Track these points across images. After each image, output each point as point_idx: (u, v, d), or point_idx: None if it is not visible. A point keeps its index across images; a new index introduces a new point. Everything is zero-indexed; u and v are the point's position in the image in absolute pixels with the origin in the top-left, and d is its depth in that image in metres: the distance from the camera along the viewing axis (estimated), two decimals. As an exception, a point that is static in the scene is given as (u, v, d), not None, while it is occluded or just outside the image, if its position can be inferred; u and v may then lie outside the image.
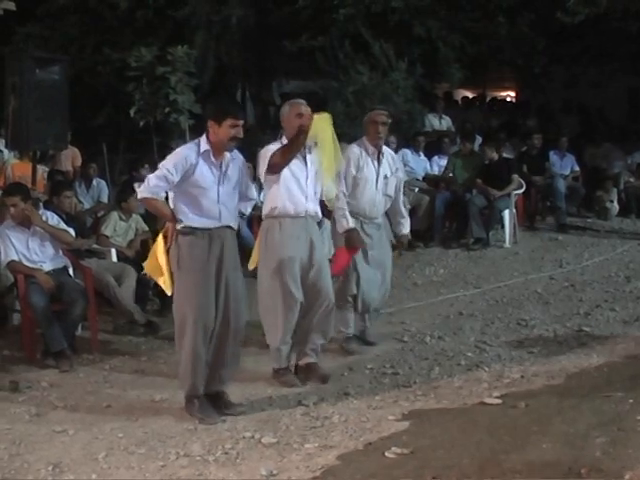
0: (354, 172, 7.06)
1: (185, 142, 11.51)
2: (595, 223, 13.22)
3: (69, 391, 6.34)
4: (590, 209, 13.71)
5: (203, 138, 5.65)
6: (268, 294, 6.30)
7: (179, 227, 5.61)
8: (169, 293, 5.76)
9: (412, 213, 11.57)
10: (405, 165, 12.31)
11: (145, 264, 5.95)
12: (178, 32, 13.67)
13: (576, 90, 16.64)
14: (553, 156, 13.57)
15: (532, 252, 11.30)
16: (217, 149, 5.61)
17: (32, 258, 7.24)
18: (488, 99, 19.13)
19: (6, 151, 10.15)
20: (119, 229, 8.85)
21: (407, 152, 12.52)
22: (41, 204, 8.16)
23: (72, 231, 7.53)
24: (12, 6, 8.49)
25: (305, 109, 6.19)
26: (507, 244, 11.57)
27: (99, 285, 7.78)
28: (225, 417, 5.66)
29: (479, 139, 13.40)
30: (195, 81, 11.97)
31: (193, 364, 5.60)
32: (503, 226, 11.72)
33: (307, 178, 6.32)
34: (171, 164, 5.55)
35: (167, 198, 5.76)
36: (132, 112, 11.71)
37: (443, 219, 12.03)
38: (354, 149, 7.16)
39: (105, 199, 10.86)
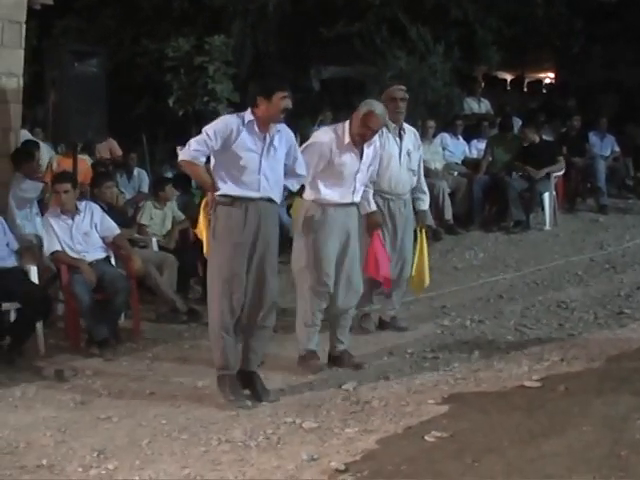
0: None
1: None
2: (637, 204, 13.08)
3: (113, 379, 6.44)
4: (631, 190, 13.57)
5: (248, 111, 5.68)
6: (302, 276, 6.32)
7: (217, 195, 5.65)
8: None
9: (451, 197, 11.62)
10: (444, 149, 12.33)
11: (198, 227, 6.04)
12: (215, 21, 13.74)
13: (615, 70, 16.45)
14: (593, 137, 13.44)
15: (572, 234, 11.22)
16: (263, 122, 5.64)
17: (75, 248, 7.35)
18: (527, 81, 18.97)
19: (45, 145, 10.27)
20: (155, 217, 8.98)
21: (446, 136, 12.49)
22: (81, 195, 8.24)
23: (116, 226, 7.64)
24: (50, 0, 8.59)
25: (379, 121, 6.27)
26: (547, 226, 11.50)
27: (142, 274, 7.87)
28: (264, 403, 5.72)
29: (518, 122, 13.32)
30: (233, 70, 12.04)
31: (222, 336, 5.69)
32: (543, 209, 11.63)
33: (358, 171, 6.33)
34: (212, 130, 5.61)
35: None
36: (171, 102, 11.82)
37: (482, 202, 11.96)
38: None
39: (146, 189, 10.96)
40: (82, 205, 7.52)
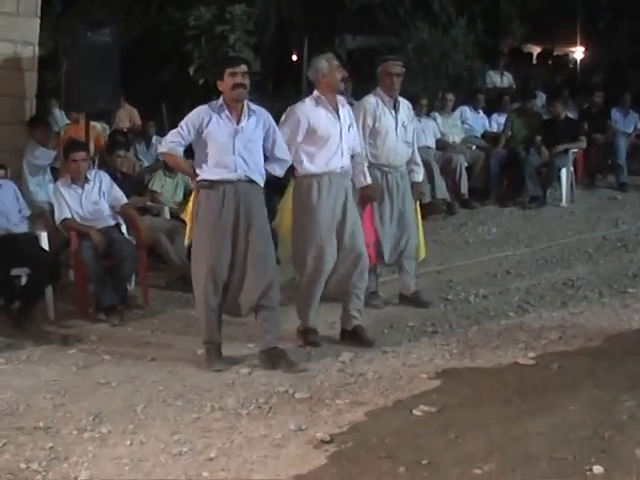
0: (371, 123, 7.10)
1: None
2: (658, 182, 13.01)
3: (117, 345, 6.58)
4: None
5: (220, 97, 5.88)
6: (301, 254, 6.35)
7: (198, 180, 5.88)
8: (186, 243, 6.18)
9: (469, 171, 11.60)
10: (463, 122, 12.28)
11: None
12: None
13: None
14: (616, 113, 13.28)
15: (589, 211, 11.17)
16: (230, 103, 5.82)
17: (85, 216, 7.47)
18: (554, 55, 18.77)
19: (59, 113, 10.38)
20: (166, 185, 9.08)
21: (466, 109, 12.42)
22: (93, 164, 8.37)
23: (123, 195, 7.73)
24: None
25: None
26: (564, 203, 11.43)
27: (151, 242, 7.99)
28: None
29: (542, 96, 13.22)
30: (254, 39, 12.04)
31: (205, 314, 5.91)
32: (561, 184, 11.59)
33: (341, 133, 6.36)
34: (184, 121, 5.89)
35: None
36: (191, 71, 11.87)
37: (500, 177, 11.92)
38: (370, 99, 7.19)
39: (164, 157, 11.02)
40: (92, 174, 7.63)
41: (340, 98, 6.45)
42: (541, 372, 5.71)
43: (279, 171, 6.13)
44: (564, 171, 11.44)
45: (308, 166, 6.30)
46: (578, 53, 19.11)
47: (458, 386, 5.49)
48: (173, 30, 13.29)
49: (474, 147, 12.10)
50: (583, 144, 11.75)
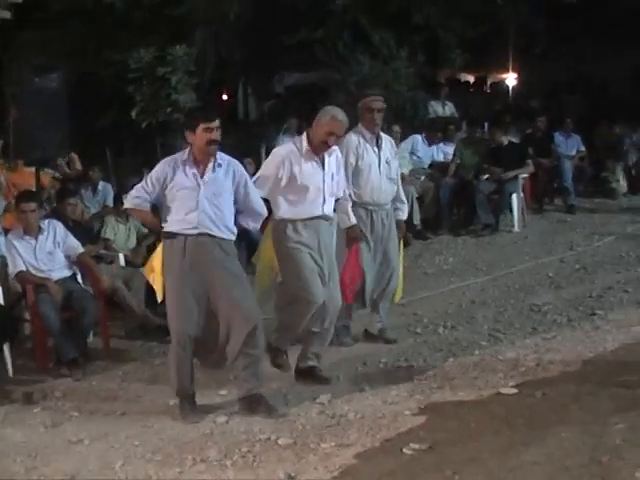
0: (353, 162, 6.94)
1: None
2: (604, 203, 13.19)
3: (83, 400, 6.32)
4: (598, 189, 13.62)
5: (187, 150, 5.70)
6: (288, 295, 6.17)
7: (162, 232, 5.71)
8: (159, 299, 5.90)
9: (419, 202, 11.56)
10: (412, 154, 12.28)
11: (145, 267, 6.09)
12: (176, 31, 13.61)
13: (580, 69, 16.52)
14: (559, 137, 13.49)
15: (541, 235, 11.23)
16: (198, 157, 5.65)
17: (40, 267, 7.22)
18: (490, 82, 19.00)
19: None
20: (119, 232, 8.90)
21: (418, 139, 12.42)
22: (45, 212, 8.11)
23: (79, 244, 7.50)
24: (7, 15, 8.45)
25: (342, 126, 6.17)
26: (516, 228, 11.50)
27: (110, 291, 7.75)
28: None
29: (484, 124, 13.31)
30: (195, 80, 11.91)
31: (177, 366, 5.71)
32: (511, 210, 11.62)
33: (324, 181, 6.20)
34: (149, 177, 5.74)
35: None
36: (134, 114, 11.67)
37: (450, 206, 11.95)
38: (352, 137, 6.99)
39: (111, 203, 10.77)
40: (45, 224, 7.39)
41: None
42: (526, 401, 5.62)
43: (253, 225, 5.98)
44: (515, 196, 11.50)
45: (286, 211, 6.15)
46: (510, 79, 19.37)
47: (444, 421, 5.37)
48: (112, 73, 13.13)
49: (422, 178, 12.08)
50: (531, 168, 11.82)
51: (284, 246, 6.15)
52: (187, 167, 5.64)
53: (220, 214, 5.68)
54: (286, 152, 6.19)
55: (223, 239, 5.70)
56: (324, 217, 6.24)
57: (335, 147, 6.31)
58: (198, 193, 5.62)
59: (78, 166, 11.29)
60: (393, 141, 7.55)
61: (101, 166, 11.63)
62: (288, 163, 6.10)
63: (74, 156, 11.31)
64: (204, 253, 5.63)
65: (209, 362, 5.88)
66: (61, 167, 11.00)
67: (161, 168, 5.71)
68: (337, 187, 6.36)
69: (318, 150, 6.15)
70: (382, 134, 7.23)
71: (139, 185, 5.77)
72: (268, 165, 6.23)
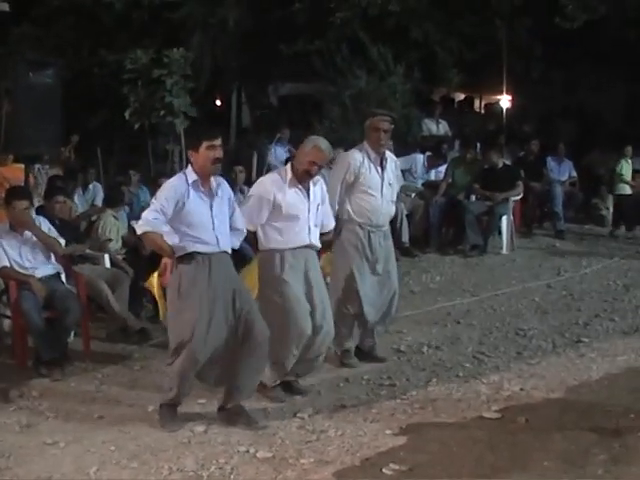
0: (351, 180, 6.83)
1: (180, 145, 11.57)
2: (593, 229, 13.20)
3: (61, 401, 6.21)
4: (588, 215, 13.64)
5: (189, 169, 5.61)
6: (274, 325, 5.94)
7: (180, 254, 5.53)
8: (162, 319, 5.81)
9: (409, 219, 11.52)
10: (409, 172, 12.20)
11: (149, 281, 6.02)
12: (174, 34, 13.57)
13: (575, 95, 16.56)
14: (551, 162, 13.52)
15: (530, 259, 11.21)
16: (203, 177, 5.58)
17: (24, 264, 7.11)
18: (484, 103, 19.01)
19: None
20: (113, 228, 8.88)
21: (419, 160, 12.43)
22: (33, 209, 8.00)
23: (62, 240, 7.38)
24: (5, 7, 8.37)
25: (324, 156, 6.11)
26: (504, 251, 11.46)
27: (92, 291, 7.67)
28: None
29: (477, 144, 13.30)
30: (191, 84, 11.84)
31: (181, 378, 5.58)
32: (500, 232, 11.61)
33: (309, 211, 6.14)
34: (163, 197, 5.55)
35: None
36: (127, 115, 11.59)
37: (440, 225, 11.92)
38: (355, 155, 6.89)
39: (100, 202, 10.73)
40: (31, 220, 7.28)
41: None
42: (508, 426, 5.57)
43: (235, 242, 5.87)
44: (504, 219, 11.48)
45: (272, 240, 6.08)
46: (504, 101, 19.41)
47: (425, 442, 5.31)
48: (108, 72, 13.07)
49: (413, 195, 12.06)
50: (520, 189, 11.78)
51: (272, 278, 6.06)
52: (198, 188, 5.56)
53: (226, 231, 5.68)
54: (270, 182, 6.15)
55: (231, 255, 5.72)
56: (310, 246, 6.19)
57: (319, 177, 6.26)
58: (212, 214, 5.58)
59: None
60: (398, 162, 7.46)
61: (92, 164, 11.59)
62: (271, 194, 6.05)
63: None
64: (225, 271, 5.62)
65: (209, 378, 5.77)
66: (64, 154, 10.93)
67: (173, 189, 5.55)
68: (323, 216, 6.31)
69: (302, 179, 6.10)
70: (388, 154, 7.11)
71: (154, 207, 5.53)
72: (253, 196, 6.16)
